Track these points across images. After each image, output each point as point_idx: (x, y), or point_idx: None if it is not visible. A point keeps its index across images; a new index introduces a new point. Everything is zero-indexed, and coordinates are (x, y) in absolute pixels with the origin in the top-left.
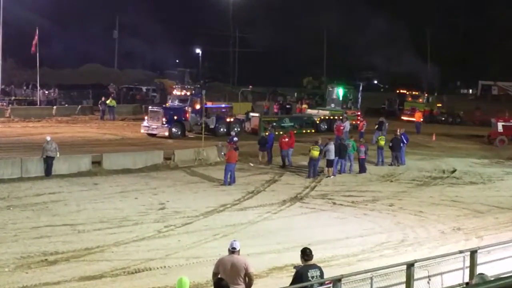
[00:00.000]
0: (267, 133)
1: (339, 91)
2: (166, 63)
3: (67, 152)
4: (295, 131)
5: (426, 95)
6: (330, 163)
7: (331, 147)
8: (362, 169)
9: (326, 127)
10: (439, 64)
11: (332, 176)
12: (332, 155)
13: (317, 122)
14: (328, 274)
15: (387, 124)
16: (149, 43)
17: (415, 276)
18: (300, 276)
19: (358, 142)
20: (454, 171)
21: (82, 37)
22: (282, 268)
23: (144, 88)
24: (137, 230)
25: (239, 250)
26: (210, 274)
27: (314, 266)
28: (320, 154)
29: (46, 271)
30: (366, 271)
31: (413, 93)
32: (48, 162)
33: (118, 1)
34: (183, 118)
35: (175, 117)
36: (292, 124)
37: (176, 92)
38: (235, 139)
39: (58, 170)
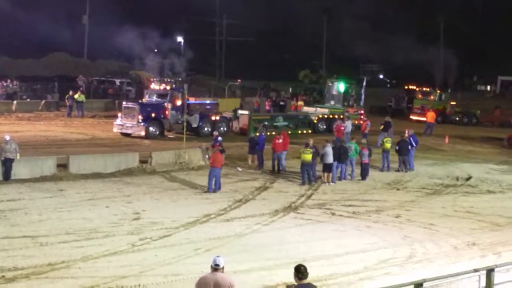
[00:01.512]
0: (257, 134)
1: (340, 87)
2: (143, 52)
3: (29, 153)
4: (289, 132)
5: (438, 91)
6: (327, 168)
7: (328, 149)
8: (365, 175)
9: (324, 127)
10: (453, 57)
11: (331, 183)
12: (329, 159)
13: (315, 121)
14: None
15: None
16: (124, 29)
17: None
18: None
19: (360, 144)
20: (469, 178)
21: (47, 22)
22: None
23: (117, 81)
24: (108, 243)
25: (223, 267)
26: None
27: (310, 286)
28: (313, 157)
29: None
30: None
31: (424, 89)
32: (7, 164)
33: None
34: (162, 116)
35: (153, 115)
36: (286, 123)
37: (154, 86)
38: (219, 139)
39: (18, 174)
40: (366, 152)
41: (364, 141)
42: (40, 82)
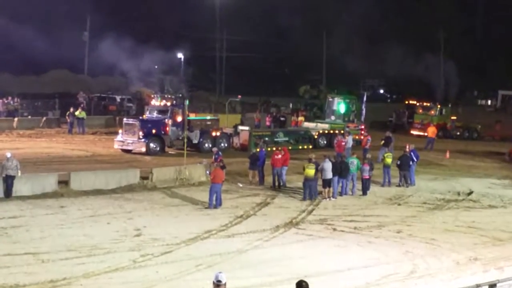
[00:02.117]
0: (258, 149)
1: (340, 102)
2: (144, 69)
3: (30, 170)
4: (290, 147)
5: (438, 106)
6: (327, 183)
7: (327, 165)
8: (366, 191)
9: (325, 142)
10: (453, 71)
11: (332, 198)
12: (328, 174)
13: (315, 136)
14: None
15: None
16: (125, 46)
17: None
18: None
19: (364, 159)
20: (471, 193)
21: (48, 39)
22: None
23: (118, 98)
24: (110, 260)
25: (225, 283)
26: None
27: None
28: (316, 173)
29: None
30: None
31: (424, 104)
32: (8, 182)
33: None
34: (163, 132)
35: (154, 131)
36: (287, 139)
37: (154, 102)
38: (220, 153)
39: (19, 191)
40: (367, 167)
41: (369, 155)
42: (41, 99)
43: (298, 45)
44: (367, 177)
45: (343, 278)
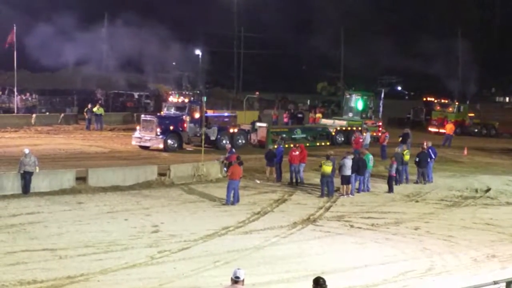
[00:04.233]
0: (275, 146)
1: (358, 99)
2: (162, 65)
3: (48, 166)
4: (307, 144)
5: (456, 103)
6: (345, 180)
7: (348, 161)
8: (390, 189)
9: (343, 139)
10: (471, 68)
11: (350, 195)
12: (348, 171)
13: (333, 133)
14: None
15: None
16: (142, 43)
17: None
18: None
19: (391, 157)
20: (489, 190)
21: (66, 36)
22: None
23: (136, 94)
24: (127, 256)
25: (243, 280)
26: None
27: None
28: (333, 170)
29: None
30: None
31: (442, 101)
32: (26, 178)
33: None
34: (180, 129)
35: (171, 127)
36: (305, 135)
37: (172, 98)
38: (233, 150)
39: (37, 187)
40: (394, 164)
41: (398, 149)
42: (58, 96)
43: (315, 42)
44: (394, 174)
45: (360, 275)
